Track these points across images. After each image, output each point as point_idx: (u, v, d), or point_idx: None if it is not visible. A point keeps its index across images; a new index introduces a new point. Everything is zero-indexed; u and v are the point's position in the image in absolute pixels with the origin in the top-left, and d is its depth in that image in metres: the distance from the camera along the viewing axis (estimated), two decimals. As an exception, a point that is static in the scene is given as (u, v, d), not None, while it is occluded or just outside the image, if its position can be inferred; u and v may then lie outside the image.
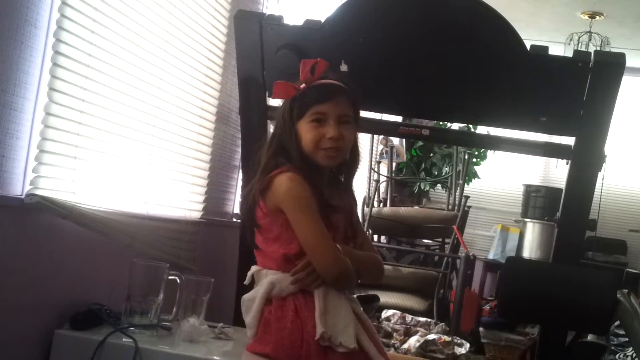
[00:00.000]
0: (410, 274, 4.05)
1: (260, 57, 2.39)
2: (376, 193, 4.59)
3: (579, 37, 5.48)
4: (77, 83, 1.76)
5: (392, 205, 5.11)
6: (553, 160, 5.99)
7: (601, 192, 4.69)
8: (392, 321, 3.17)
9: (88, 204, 1.83)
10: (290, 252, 1.66)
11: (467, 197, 4.51)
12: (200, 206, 2.56)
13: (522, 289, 2.30)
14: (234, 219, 2.90)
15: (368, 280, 1.99)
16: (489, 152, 5.94)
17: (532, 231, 5.58)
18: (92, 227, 1.85)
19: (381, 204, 5.05)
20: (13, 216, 1.63)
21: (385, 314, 3.24)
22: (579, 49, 5.26)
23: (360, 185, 4.75)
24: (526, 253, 5.56)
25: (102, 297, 1.93)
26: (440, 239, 4.76)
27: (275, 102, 2.16)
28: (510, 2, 5.12)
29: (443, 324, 3.22)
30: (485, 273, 5.92)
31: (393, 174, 5.35)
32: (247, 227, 1.76)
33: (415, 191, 6.08)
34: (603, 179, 3.57)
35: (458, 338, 2.89)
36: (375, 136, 5.04)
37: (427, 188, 6.14)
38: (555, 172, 6.30)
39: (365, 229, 3.88)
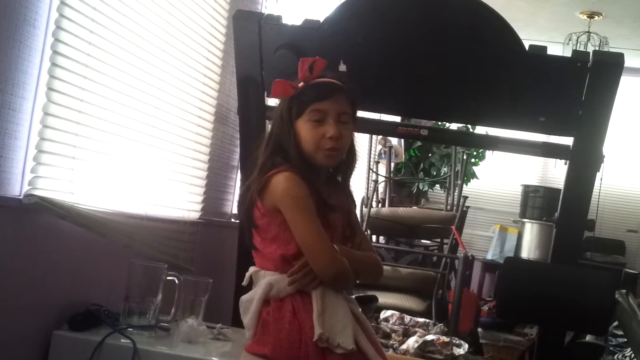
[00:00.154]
0: (408, 275, 4.05)
1: (259, 57, 2.39)
2: (375, 193, 4.59)
3: (578, 37, 5.48)
4: (76, 83, 1.76)
5: (390, 205, 5.11)
6: (551, 161, 6.00)
7: (599, 192, 4.68)
8: (391, 322, 3.16)
9: (86, 204, 1.83)
10: (288, 253, 1.65)
11: (466, 198, 4.51)
12: (199, 206, 2.55)
13: (521, 289, 2.30)
14: (233, 220, 2.89)
15: (366, 280, 1.98)
16: (488, 152, 5.94)
17: (531, 231, 5.59)
18: (90, 227, 1.84)
19: (380, 204, 5.05)
20: (11, 216, 1.63)
21: (384, 314, 3.24)
22: (578, 49, 5.25)
23: (358, 186, 4.75)
24: (524, 253, 5.57)
25: (100, 297, 1.93)
26: (438, 240, 4.75)
27: (273, 102, 2.16)
28: (509, 1, 5.12)
29: (441, 324, 3.22)
30: (484, 273, 5.92)
31: (391, 174, 5.35)
32: (245, 227, 1.76)
33: (414, 191, 6.09)
34: (601, 179, 3.58)
35: (456, 338, 2.88)
36: (374, 136, 5.04)
37: (426, 188, 6.14)
38: (554, 173, 6.31)
39: (363, 229, 3.87)
